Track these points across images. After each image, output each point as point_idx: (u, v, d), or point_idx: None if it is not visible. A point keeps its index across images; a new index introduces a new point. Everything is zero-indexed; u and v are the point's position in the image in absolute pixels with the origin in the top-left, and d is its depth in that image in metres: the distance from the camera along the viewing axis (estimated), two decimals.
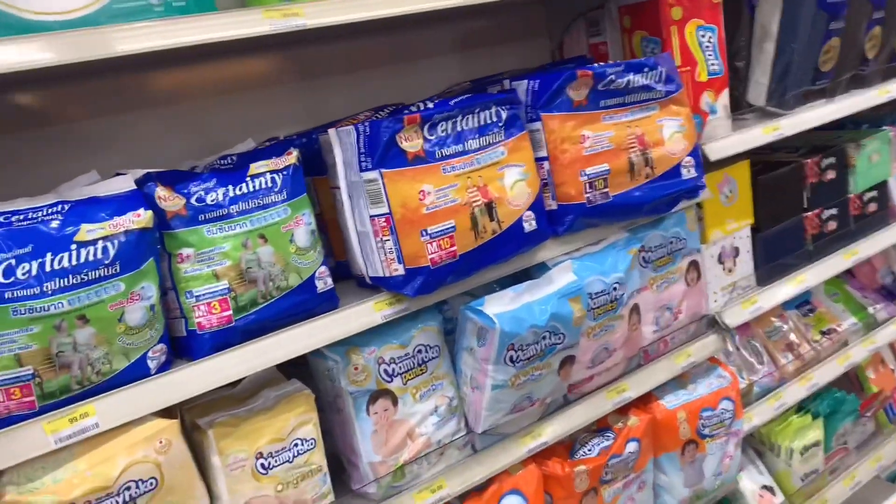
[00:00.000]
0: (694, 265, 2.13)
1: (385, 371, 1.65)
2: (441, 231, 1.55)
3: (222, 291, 1.41)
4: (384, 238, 1.54)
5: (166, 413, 1.38)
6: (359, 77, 2.12)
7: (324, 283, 1.54)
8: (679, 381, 2.19)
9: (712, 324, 2.23)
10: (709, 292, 2.23)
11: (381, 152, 1.50)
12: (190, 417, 1.50)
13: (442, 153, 1.57)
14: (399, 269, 1.54)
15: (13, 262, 1.20)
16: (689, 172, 1.94)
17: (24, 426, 1.23)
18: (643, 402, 2.11)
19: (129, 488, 1.29)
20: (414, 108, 1.69)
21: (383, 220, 1.52)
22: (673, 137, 1.90)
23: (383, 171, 1.50)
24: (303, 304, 1.51)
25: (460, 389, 1.78)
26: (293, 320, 1.49)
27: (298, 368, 1.65)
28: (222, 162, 1.49)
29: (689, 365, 2.15)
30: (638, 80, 1.83)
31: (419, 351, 1.70)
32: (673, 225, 2.05)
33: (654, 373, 2.08)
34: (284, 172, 1.50)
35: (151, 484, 1.32)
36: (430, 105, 1.68)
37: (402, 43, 2.20)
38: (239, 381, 1.59)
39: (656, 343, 2.10)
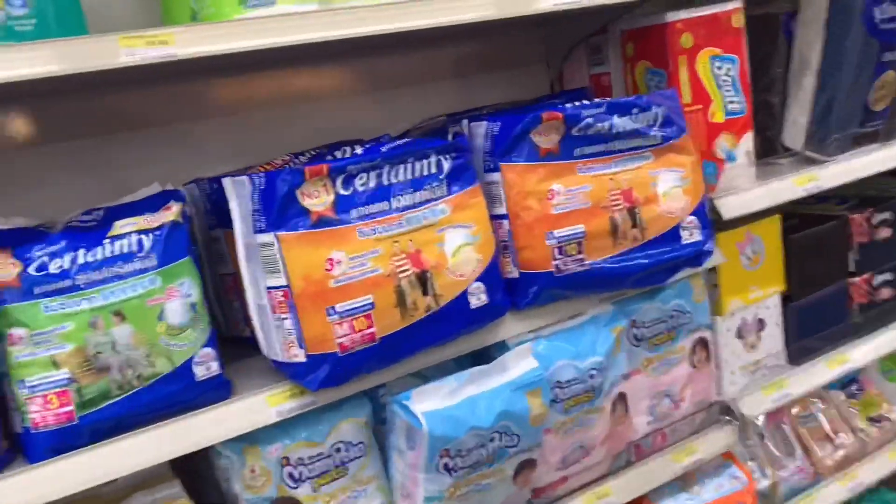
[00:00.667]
0: (702, 343, 1.77)
1: (290, 475, 1.34)
2: (354, 309, 1.25)
3: (62, 382, 1.13)
4: (282, 316, 1.24)
5: None
6: (333, 104, 1.85)
7: (205, 368, 1.25)
8: (682, 483, 1.82)
9: (726, 412, 1.85)
10: (724, 373, 1.86)
11: (278, 211, 1.21)
12: None
13: (359, 213, 1.27)
14: (299, 355, 1.25)
15: None
16: (691, 235, 1.59)
17: None
18: None
19: None
20: (339, 156, 1.40)
21: (281, 293, 1.23)
22: (671, 193, 1.56)
23: (279, 233, 1.21)
24: (176, 394, 1.22)
25: (392, 496, 1.46)
26: (164, 415, 1.21)
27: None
28: (85, 218, 1.22)
29: (695, 463, 1.78)
30: (625, 123, 1.50)
31: (337, 449, 1.38)
32: (674, 296, 1.70)
33: (647, 473, 1.72)
34: (157, 233, 1.22)
35: None
36: (359, 151, 1.38)
37: (388, 66, 1.92)
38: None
39: (652, 436, 1.74)
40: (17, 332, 1.12)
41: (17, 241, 1.15)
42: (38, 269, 1.14)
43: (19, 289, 1.13)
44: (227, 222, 1.37)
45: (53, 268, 1.14)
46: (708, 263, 1.67)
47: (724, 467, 1.87)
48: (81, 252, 1.16)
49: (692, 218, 1.58)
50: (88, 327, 1.15)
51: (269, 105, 1.79)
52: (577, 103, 1.48)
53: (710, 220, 1.66)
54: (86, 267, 1.16)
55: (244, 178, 1.25)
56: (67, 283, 1.15)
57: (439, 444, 1.32)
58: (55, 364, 1.13)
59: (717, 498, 1.79)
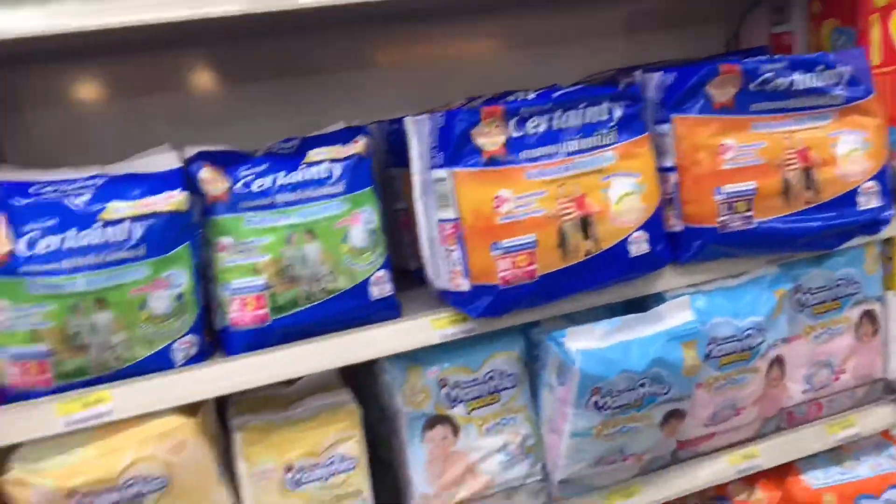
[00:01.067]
0: (869, 316, 1.69)
1: (447, 395, 1.45)
2: (518, 246, 1.32)
3: (259, 287, 1.29)
4: (451, 247, 1.33)
5: (190, 410, 1.29)
6: (509, 56, 1.91)
7: (380, 289, 1.36)
8: (833, 456, 1.77)
9: (891, 390, 1.77)
10: (892, 351, 1.77)
11: (454, 148, 1.29)
12: (231, 412, 1.40)
13: (529, 155, 1.33)
14: (464, 285, 1.33)
15: (37, 234, 1.16)
16: (868, 201, 1.52)
17: (35, 404, 1.19)
18: (779, 474, 1.72)
19: (132, 485, 1.21)
20: (512, 99, 1.46)
21: (451, 226, 1.32)
22: (850, 155, 1.50)
23: (454, 169, 1.30)
24: (353, 310, 1.35)
25: (539, 428, 1.53)
26: (340, 327, 1.34)
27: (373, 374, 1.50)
28: (283, 145, 1.36)
29: (850, 437, 1.73)
30: (807, 80, 1.45)
31: (491, 378, 1.47)
32: (844, 264, 1.64)
33: (798, 440, 1.69)
34: (346, 162, 1.34)
35: (159, 484, 1.23)
36: (532, 96, 1.44)
37: (563, 22, 1.95)
38: (296, 380, 1.47)
39: (806, 405, 1.70)
40: (224, 240, 1.29)
41: (227, 162, 1.31)
42: (244, 187, 1.29)
43: (228, 203, 1.28)
44: (403, 162, 1.47)
45: (256, 187, 1.29)
46: (884, 232, 1.59)
47: (883, 447, 1.79)
48: (281, 174, 1.30)
49: (871, 183, 1.51)
50: (284, 242, 1.29)
51: (435, 58, 1.89)
52: (756, 58, 1.45)
53: (892, 188, 1.58)
54: (284, 188, 1.30)
55: (425, 116, 1.34)
56: (268, 200, 1.29)
57: (590, 383, 1.37)
58: (255, 271, 1.29)
59: (871, 476, 1.72)
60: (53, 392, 1.20)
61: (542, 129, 1.34)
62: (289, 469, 1.34)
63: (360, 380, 1.53)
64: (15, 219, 1.16)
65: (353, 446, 1.39)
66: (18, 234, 1.15)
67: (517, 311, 1.38)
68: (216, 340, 1.35)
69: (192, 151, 1.31)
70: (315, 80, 1.82)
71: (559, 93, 1.39)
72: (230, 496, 1.33)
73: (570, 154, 1.35)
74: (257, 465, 1.33)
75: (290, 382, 1.46)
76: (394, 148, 1.59)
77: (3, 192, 1.17)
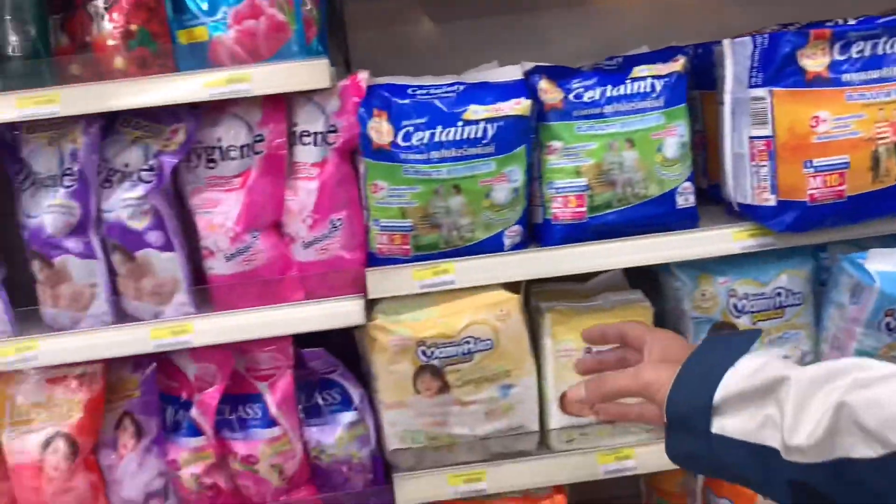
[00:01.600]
0: None
1: (734, 305, 1.56)
2: (830, 165, 1.39)
3: (581, 188, 1.46)
4: (760, 163, 1.43)
5: (511, 287, 1.51)
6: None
7: (685, 199, 1.49)
8: None
9: None
10: None
11: (776, 69, 1.38)
12: (535, 299, 1.61)
13: (850, 78, 1.38)
14: (770, 200, 1.43)
15: (412, 129, 1.40)
16: None
17: (398, 268, 1.46)
18: None
19: (468, 342, 1.46)
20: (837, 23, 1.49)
21: (763, 143, 1.41)
22: None
23: (774, 89, 1.38)
24: (658, 216, 1.49)
25: (819, 346, 1.60)
26: (645, 230, 1.49)
27: (650, 283, 1.65)
28: (608, 63, 1.51)
29: None
30: None
31: (778, 294, 1.56)
32: None
33: None
34: (667, 79, 1.47)
35: (487, 344, 1.47)
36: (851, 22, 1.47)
37: None
38: (587, 279, 1.65)
39: None
40: (554, 144, 1.47)
41: (561, 75, 1.48)
42: (576, 98, 1.46)
43: (561, 111, 1.46)
44: (703, 84, 1.58)
45: (587, 97, 1.45)
46: None
47: None
48: (609, 88, 1.45)
49: None
50: (607, 148, 1.45)
51: None
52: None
53: None
54: (611, 100, 1.45)
55: (745, 38, 1.43)
56: (596, 110, 1.45)
57: (886, 303, 1.42)
58: (578, 173, 1.46)
59: None
60: (410, 261, 1.47)
61: (866, 53, 1.38)
62: (588, 351, 1.53)
63: (642, 284, 1.68)
64: (395, 115, 1.41)
65: None
66: (397, 128, 1.41)
67: (819, 229, 1.45)
68: (532, 233, 1.56)
69: (528, 66, 1.50)
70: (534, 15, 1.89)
71: (884, 20, 1.41)
72: (534, 365, 1.55)
73: (891, 80, 1.38)
74: (561, 343, 1.53)
75: (581, 280, 1.64)
76: (694, 71, 1.68)
77: (388, 93, 1.42)
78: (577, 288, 1.65)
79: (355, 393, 1.56)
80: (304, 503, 1.59)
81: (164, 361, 1.58)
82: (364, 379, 1.58)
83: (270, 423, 1.53)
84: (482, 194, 1.43)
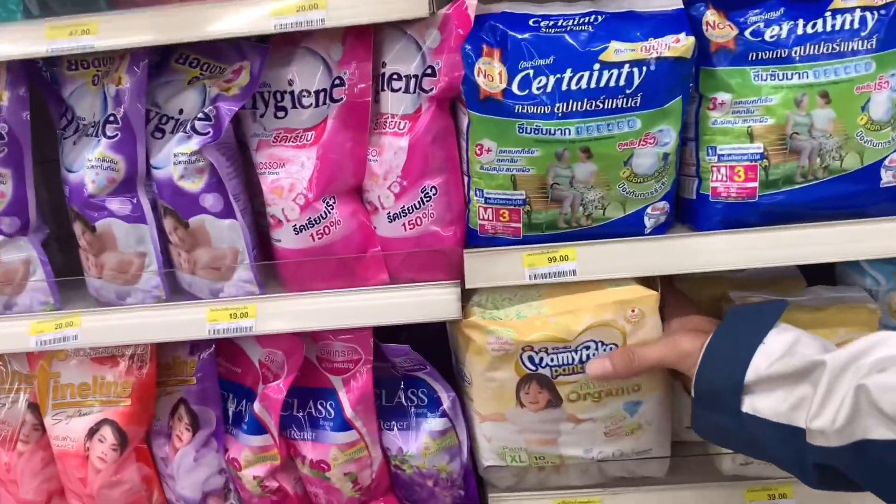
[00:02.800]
0: None
1: None
2: None
3: (753, 156, 1.10)
4: None
5: (646, 281, 1.18)
6: None
7: (893, 174, 1.11)
8: None
9: None
10: None
11: None
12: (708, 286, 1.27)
13: None
14: None
15: (531, 73, 1.08)
16: None
17: (504, 251, 1.16)
18: None
19: (588, 347, 1.15)
20: None
21: None
22: None
23: None
24: (854, 195, 1.12)
25: None
26: (834, 215, 1.12)
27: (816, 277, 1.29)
28: None
29: None
30: None
31: None
32: None
33: None
34: (882, 12, 1.07)
35: (610, 350, 1.16)
36: None
37: None
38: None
39: None
40: (721, 96, 1.11)
41: (734, 5, 1.11)
42: (753, 35, 1.09)
43: (733, 52, 1.09)
44: None
45: (768, 35, 1.08)
46: None
47: None
48: (800, 22, 1.07)
49: None
50: (793, 104, 1.08)
51: None
52: None
53: None
54: (802, 39, 1.07)
55: None
56: (780, 53, 1.08)
57: None
58: (750, 136, 1.10)
59: None
60: (521, 243, 1.16)
61: None
62: None
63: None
64: (511, 54, 1.08)
65: None
66: (513, 72, 1.08)
67: None
68: (680, 213, 1.22)
69: None
70: None
71: None
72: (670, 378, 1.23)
73: None
74: None
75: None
76: None
77: (502, 24, 1.09)
78: (738, 277, 1.29)
79: (445, 396, 1.28)
80: None
81: (226, 343, 1.35)
82: (454, 380, 1.31)
83: (345, 424, 1.28)
84: (620, 161, 1.10)
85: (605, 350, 1.15)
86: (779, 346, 0.88)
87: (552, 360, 1.16)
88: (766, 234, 1.12)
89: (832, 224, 1.11)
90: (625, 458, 1.24)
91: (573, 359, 1.16)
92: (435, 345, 1.31)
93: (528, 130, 1.08)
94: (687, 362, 0.98)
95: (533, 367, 1.16)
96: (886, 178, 1.11)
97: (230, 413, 1.35)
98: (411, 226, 1.18)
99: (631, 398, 1.19)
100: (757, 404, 0.88)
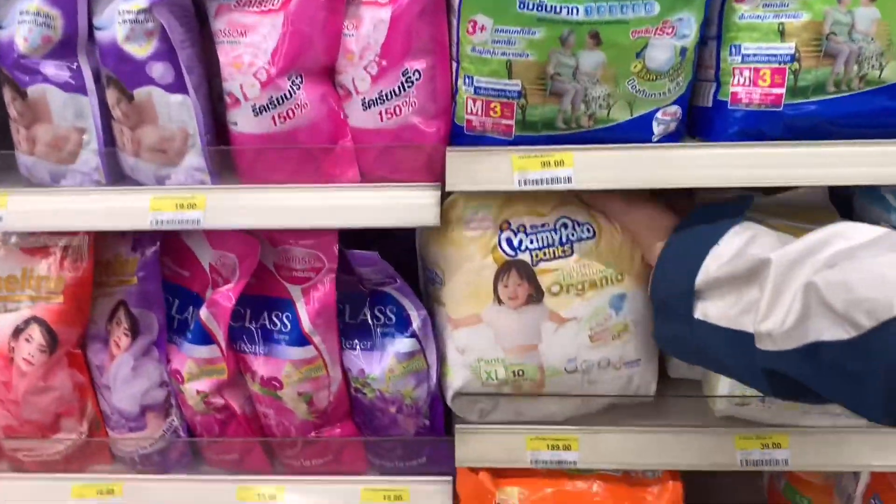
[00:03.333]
0: None
1: None
2: None
3: (782, 58, 0.97)
4: None
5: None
6: None
7: None
8: None
9: None
10: None
11: None
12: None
13: None
14: None
15: None
16: None
17: (492, 152, 1.02)
18: None
19: (565, 226, 1.07)
20: None
21: None
22: None
23: None
24: (890, 112, 0.99)
25: None
26: (863, 133, 0.99)
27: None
28: None
29: None
30: None
31: None
32: None
33: None
34: None
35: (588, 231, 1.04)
36: None
37: None
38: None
39: None
40: None
41: None
42: None
43: None
44: None
45: None
46: None
47: None
48: None
49: None
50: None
51: None
52: None
53: None
54: None
55: None
56: None
57: None
58: (781, 34, 0.97)
59: None
60: (512, 143, 1.02)
61: None
62: None
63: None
64: None
65: None
66: None
67: None
68: (693, 122, 1.08)
69: None
70: None
71: None
72: None
73: None
74: None
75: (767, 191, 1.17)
76: None
77: None
78: (765, 202, 1.16)
79: (416, 315, 1.15)
80: (336, 443, 1.23)
81: (172, 241, 1.21)
82: (424, 299, 1.18)
83: (302, 339, 1.15)
84: (632, 52, 0.95)
85: (581, 228, 1.07)
86: (730, 248, 0.83)
87: (531, 241, 1.05)
88: (789, 149, 0.99)
89: (866, 143, 0.98)
90: (611, 366, 1.12)
91: (552, 239, 1.05)
92: (403, 267, 1.18)
93: (531, 6, 0.93)
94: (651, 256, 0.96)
95: (512, 252, 1.06)
96: None
97: (175, 320, 1.22)
98: (389, 115, 1.03)
99: (615, 290, 1.08)
100: (707, 310, 0.84)
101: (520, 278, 1.06)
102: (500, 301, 1.07)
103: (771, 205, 1.14)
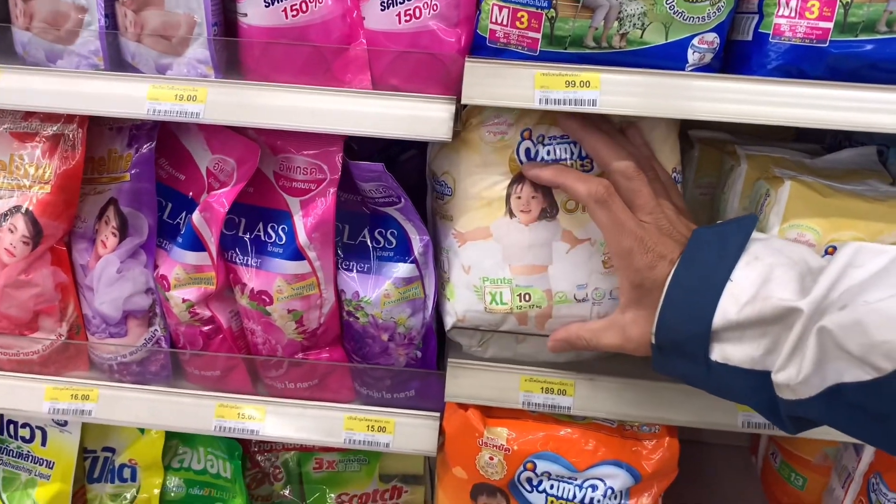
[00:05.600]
0: None
1: None
2: None
3: None
4: None
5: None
6: None
7: None
8: None
9: None
10: None
11: None
12: (755, 163, 1.07)
13: None
14: None
15: None
16: None
17: (515, 66, 0.95)
18: None
19: None
20: None
21: None
22: None
23: None
24: None
25: None
26: None
27: None
28: None
29: None
30: None
31: None
32: None
33: None
34: None
35: None
36: None
37: None
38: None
39: None
40: None
41: None
42: None
43: None
44: None
45: None
46: None
47: None
48: None
49: None
50: None
51: None
52: None
53: None
54: None
55: None
56: None
57: None
58: None
59: None
60: (536, 59, 0.96)
61: None
62: (830, 250, 0.99)
63: None
64: None
65: None
66: None
67: None
68: (730, 56, 1.01)
69: None
70: None
71: None
72: None
73: None
74: (796, 229, 0.98)
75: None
76: None
77: None
78: (809, 163, 1.10)
79: (417, 239, 1.10)
80: (323, 367, 1.18)
81: (170, 141, 1.15)
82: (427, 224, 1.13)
83: (296, 253, 1.09)
84: None
85: None
86: (748, 285, 0.78)
87: (548, 153, 1.00)
88: (835, 90, 0.92)
89: None
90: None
91: (572, 151, 1.01)
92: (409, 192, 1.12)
93: None
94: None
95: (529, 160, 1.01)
96: None
97: (166, 224, 1.17)
98: (407, 17, 0.97)
99: None
100: (727, 352, 0.79)
101: (534, 189, 1.00)
102: (511, 214, 1.02)
103: (818, 167, 1.07)
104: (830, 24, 0.91)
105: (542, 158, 1.00)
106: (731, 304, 0.79)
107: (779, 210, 0.98)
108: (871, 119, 0.93)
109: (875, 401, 0.70)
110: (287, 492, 1.40)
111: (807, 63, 0.93)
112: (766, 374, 0.78)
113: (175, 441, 1.37)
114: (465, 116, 1.02)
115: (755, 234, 0.86)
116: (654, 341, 0.86)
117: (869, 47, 0.92)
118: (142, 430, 1.35)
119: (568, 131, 0.99)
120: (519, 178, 1.01)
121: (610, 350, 0.95)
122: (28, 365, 1.21)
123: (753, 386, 0.79)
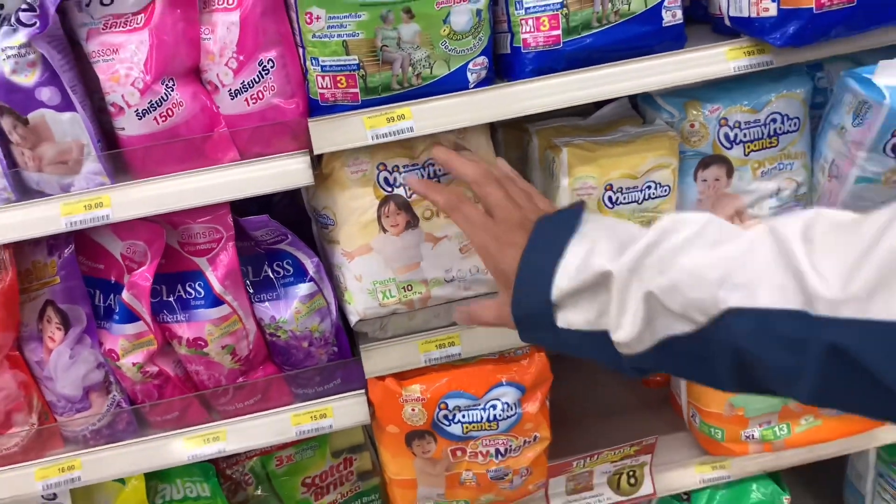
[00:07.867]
0: None
1: (726, 136, 1.40)
2: None
3: (554, 6, 1.24)
4: None
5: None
6: None
7: (672, 14, 1.28)
8: None
9: None
10: None
11: None
12: (542, 136, 1.42)
13: None
14: (770, 9, 1.23)
15: None
16: None
17: (346, 116, 1.25)
18: None
19: (433, 164, 1.33)
20: None
21: None
22: None
23: None
24: (643, 36, 1.28)
25: (814, 176, 1.47)
26: (627, 54, 1.29)
27: None
28: None
29: None
30: None
31: (773, 120, 1.40)
32: None
33: None
34: None
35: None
36: None
37: None
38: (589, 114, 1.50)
39: None
40: None
41: None
42: None
43: None
44: None
45: None
46: None
47: None
48: None
49: None
50: None
51: None
52: None
53: None
54: None
55: None
56: None
57: (895, 123, 1.27)
58: None
59: None
60: (360, 107, 1.25)
61: None
62: (608, 188, 1.35)
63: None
64: None
65: (668, 175, 1.37)
66: None
67: (824, 41, 1.27)
68: (499, 67, 1.35)
69: None
70: None
71: None
72: None
73: None
74: (579, 181, 1.35)
75: (583, 116, 1.48)
76: None
77: None
78: (581, 124, 1.46)
79: (309, 262, 1.38)
80: (262, 383, 1.45)
81: (83, 241, 1.37)
82: (316, 248, 1.41)
83: (216, 301, 1.35)
84: (439, 19, 1.20)
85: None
86: (575, 260, 0.88)
87: (403, 178, 1.32)
88: (571, 77, 1.27)
89: (626, 63, 1.28)
90: (480, 272, 1.39)
91: (421, 174, 1.34)
92: (291, 225, 1.40)
93: None
94: (509, 320, 0.98)
95: (389, 188, 1.32)
96: (667, 18, 1.28)
97: (100, 308, 1.39)
98: (253, 100, 1.24)
99: None
100: (569, 318, 0.89)
101: (398, 208, 1.32)
102: (384, 230, 1.33)
103: (592, 123, 1.44)
104: (559, 31, 1.26)
105: (401, 183, 1.32)
106: (564, 277, 0.88)
107: (564, 170, 1.34)
108: (605, 90, 1.29)
109: (697, 347, 0.79)
110: (259, 492, 1.66)
111: (552, 62, 1.27)
112: (605, 333, 0.87)
113: (154, 482, 1.60)
114: (327, 162, 1.31)
115: (589, 216, 0.95)
116: (513, 317, 0.96)
117: (589, 40, 1.27)
118: (122, 481, 1.57)
119: (438, 161, 1.25)
120: (384, 201, 1.32)
121: (492, 325, 1.09)
122: (12, 457, 1.41)
123: (597, 345, 0.88)
